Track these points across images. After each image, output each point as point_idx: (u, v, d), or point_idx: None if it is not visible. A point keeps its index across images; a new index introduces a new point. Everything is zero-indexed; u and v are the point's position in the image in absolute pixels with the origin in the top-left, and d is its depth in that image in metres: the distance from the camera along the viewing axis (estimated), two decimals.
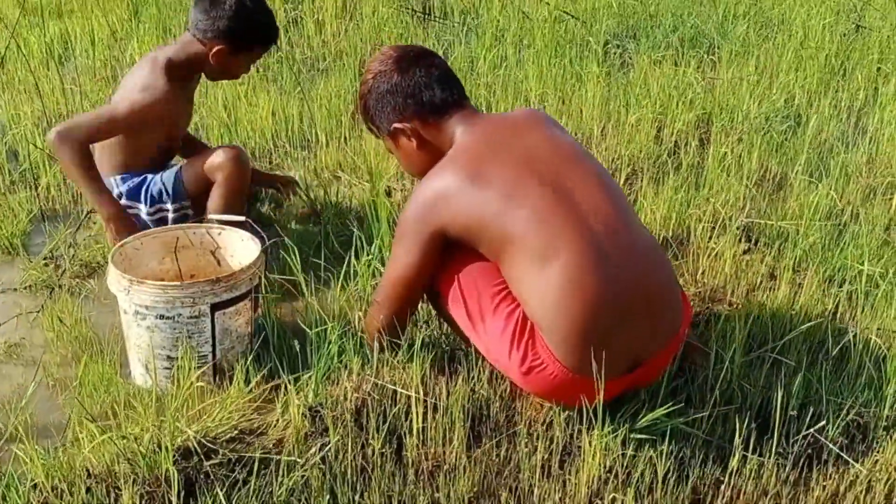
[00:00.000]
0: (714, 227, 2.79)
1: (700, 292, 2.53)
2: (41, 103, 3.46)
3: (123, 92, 2.59)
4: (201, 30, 2.55)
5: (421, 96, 2.01)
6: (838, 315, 2.42)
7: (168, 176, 2.60)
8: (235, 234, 2.31)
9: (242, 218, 2.35)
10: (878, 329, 2.30)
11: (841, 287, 2.51)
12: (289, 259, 2.27)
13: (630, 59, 4.28)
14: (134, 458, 1.69)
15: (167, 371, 2.09)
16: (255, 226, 2.32)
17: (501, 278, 1.90)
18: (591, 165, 1.96)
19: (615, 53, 4.31)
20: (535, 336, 1.84)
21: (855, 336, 2.23)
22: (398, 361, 2.03)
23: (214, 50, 2.54)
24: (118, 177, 2.61)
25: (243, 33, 2.55)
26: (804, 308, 2.42)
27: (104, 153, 2.61)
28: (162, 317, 2.04)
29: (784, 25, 4.79)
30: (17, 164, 3.14)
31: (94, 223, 2.81)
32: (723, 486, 1.85)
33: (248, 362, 2.04)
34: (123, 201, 2.59)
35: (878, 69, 4.25)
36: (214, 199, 2.52)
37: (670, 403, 1.89)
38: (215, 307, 2.06)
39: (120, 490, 1.68)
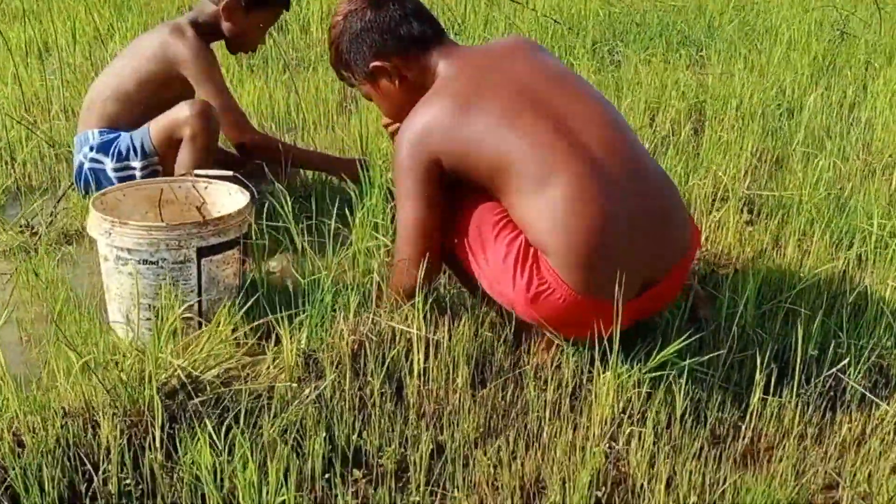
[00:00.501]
0: (714, 201, 2.73)
1: (705, 256, 2.45)
2: (20, 88, 3.36)
3: (154, 62, 2.54)
4: None
5: (398, 30, 1.92)
6: (849, 274, 2.34)
7: (138, 133, 2.50)
8: (223, 187, 2.20)
9: (230, 173, 2.24)
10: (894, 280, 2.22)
11: (850, 249, 2.44)
12: (280, 208, 2.16)
13: (619, 57, 4.26)
14: (114, 390, 1.56)
15: (150, 322, 1.96)
16: (244, 179, 2.21)
17: (501, 208, 1.81)
18: (586, 89, 1.90)
19: (604, 54, 4.29)
20: (539, 261, 1.75)
21: (868, 288, 2.16)
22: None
23: (225, 3, 2.49)
24: (96, 130, 2.51)
25: None
26: (813, 270, 2.35)
27: (96, 105, 2.54)
28: (145, 262, 1.92)
29: (769, 33, 4.81)
30: None
31: (76, 194, 2.69)
32: (743, 427, 1.75)
33: (236, 308, 1.91)
34: (92, 154, 2.49)
35: (867, 67, 4.25)
36: (182, 156, 2.41)
37: (684, 338, 1.79)
38: (202, 253, 1.95)
39: (98, 424, 1.55)
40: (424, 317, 1.83)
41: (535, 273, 1.74)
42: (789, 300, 2.10)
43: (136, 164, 2.48)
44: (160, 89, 2.55)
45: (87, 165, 2.51)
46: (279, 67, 3.82)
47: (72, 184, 2.69)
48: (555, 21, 4.58)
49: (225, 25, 2.56)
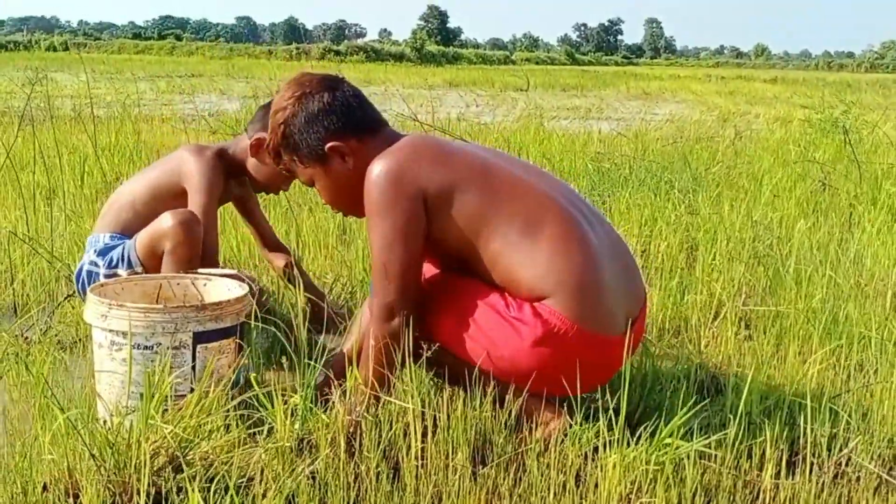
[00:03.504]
0: (711, 319, 2.73)
1: (704, 363, 2.42)
2: (26, 222, 3.44)
3: (167, 175, 2.55)
4: (252, 124, 2.54)
5: (354, 113, 1.92)
6: (851, 377, 2.31)
7: (130, 242, 2.48)
8: (222, 284, 2.21)
9: (234, 271, 2.26)
10: None
11: (849, 357, 2.42)
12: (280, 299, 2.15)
13: (609, 200, 4.39)
14: (100, 455, 1.50)
15: (138, 415, 1.90)
16: (245, 278, 2.22)
17: (472, 278, 1.84)
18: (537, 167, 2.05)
19: (595, 199, 4.43)
20: (533, 308, 1.76)
21: (871, 387, 2.12)
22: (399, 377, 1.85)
23: (254, 138, 2.47)
24: (108, 234, 2.53)
25: None
26: (815, 377, 2.32)
27: (112, 210, 2.57)
28: (140, 346, 1.89)
29: (754, 181, 5.00)
30: None
31: (73, 308, 2.69)
32: None
33: (229, 396, 1.86)
34: (93, 256, 2.49)
35: (851, 213, 4.38)
36: (163, 270, 2.34)
37: (686, 411, 1.74)
38: (198, 339, 1.93)
39: (80, 493, 1.47)
40: (422, 399, 1.78)
41: (535, 315, 1.74)
42: (793, 394, 2.06)
43: (123, 273, 2.44)
44: (169, 202, 2.52)
45: (86, 267, 2.52)
46: (281, 206, 3.92)
47: (69, 295, 2.69)
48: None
49: (250, 162, 2.56)
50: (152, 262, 2.40)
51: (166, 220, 2.35)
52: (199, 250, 2.39)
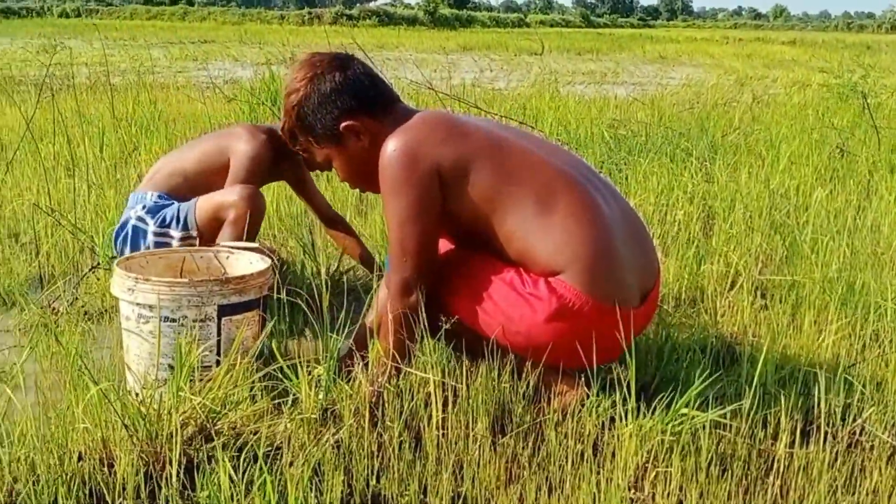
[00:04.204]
0: (727, 288, 2.75)
1: (720, 333, 2.45)
2: (48, 194, 3.48)
3: (216, 149, 2.62)
4: None
5: (367, 91, 1.93)
6: (866, 347, 2.33)
7: (185, 205, 2.53)
8: (244, 257, 2.25)
9: (255, 244, 2.29)
10: None
11: (864, 325, 2.43)
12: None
13: (625, 168, 4.39)
14: (132, 425, 1.55)
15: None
16: (267, 251, 2.26)
17: (483, 252, 1.87)
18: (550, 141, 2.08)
19: (611, 168, 4.43)
20: (547, 283, 1.79)
21: (886, 358, 2.14)
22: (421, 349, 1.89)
23: None
24: (155, 193, 2.59)
25: None
26: (829, 346, 2.34)
27: (159, 174, 2.64)
28: (166, 318, 1.94)
29: (771, 149, 4.98)
30: (19, 240, 3.11)
31: (98, 279, 2.74)
32: (771, 478, 1.70)
33: (253, 367, 1.91)
34: (142, 213, 2.54)
35: (869, 180, 4.36)
36: (221, 237, 2.43)
37: (700, 383, 1.78)
38: (223, 311, 1.97)
39: (114, 462, 1.53)
40: (441, 370, 1.82)
41: (550, 291, 1.77)
42: (808, 364, 2.09)
43: (175, 233, 2.52)
44: (217, 174, 2.58)
45: (132, 222, 2.55)
46: None
47: (94, 266, 2.74)
48: (559, 141, 4.75)
49: None
50: (210, 227, 2.48)
51: (234, 192, 2.45)
52: (259, 226, 2.49)
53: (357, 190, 2.19)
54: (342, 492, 1.56)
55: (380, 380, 1.83)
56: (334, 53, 1.99)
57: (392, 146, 1.83)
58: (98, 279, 2.74)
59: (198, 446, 1.62)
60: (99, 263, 2.74)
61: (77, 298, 2.60)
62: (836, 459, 1.75)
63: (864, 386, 1.96)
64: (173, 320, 1.94)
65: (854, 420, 1.84)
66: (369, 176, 1.92)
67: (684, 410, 1.76)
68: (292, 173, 2.81)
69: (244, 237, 2.40)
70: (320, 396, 1.80)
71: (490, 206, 1.81)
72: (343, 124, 1.92)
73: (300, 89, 1.93)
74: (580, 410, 1.82)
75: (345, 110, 1.92)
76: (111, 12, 44.95)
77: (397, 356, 1.85)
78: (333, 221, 2.95)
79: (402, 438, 1.70)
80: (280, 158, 2.63)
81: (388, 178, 1.83)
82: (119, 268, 2.02)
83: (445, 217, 1.85)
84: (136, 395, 1.69)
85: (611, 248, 1.82)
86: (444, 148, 1.81)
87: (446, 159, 1.81)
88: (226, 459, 1.49)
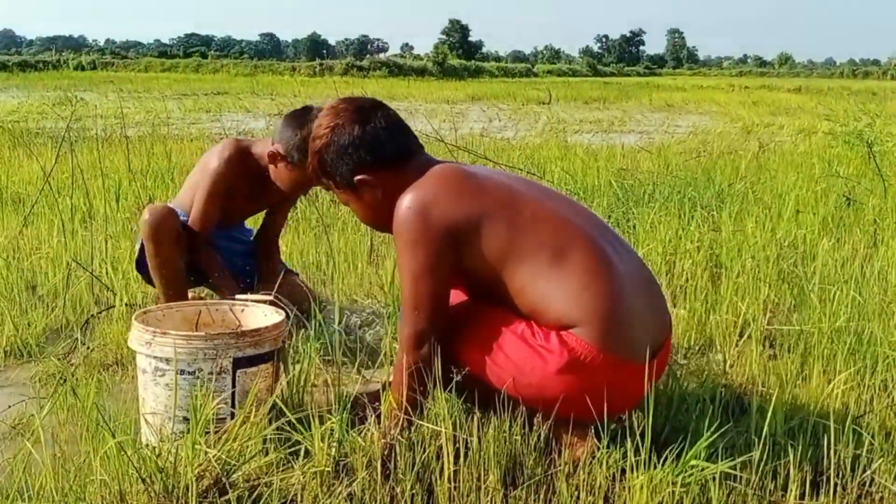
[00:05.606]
0: (737, 338, 2.77)
1: (729, 383, 2.46)
2: (63, 238, 3.55)
3: (197, 168, 2.84)
4: (276, 133, 2.69)
5: (384, 147, 1.96)
6: (875, 397, 2.34)
7: None
8: (259, 310, 2.29)
9: (270, 297, 2.34)
10: None
11: (873, 375, 2.45)
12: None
13: (632, 218, 4.44)
14: (149, 477, 1.57)
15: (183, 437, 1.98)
16: (281, 303, 2.30)
17: (496, 306, 1.89)
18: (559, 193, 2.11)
19: (619, 217, 4.47)
20: (559, 336, 1.81)
21: (894, 408, 2.15)
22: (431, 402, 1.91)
23: (269, 151, 2.65)
24: (181, 212, 2.78)
25: (299, 148, 2.58)
26: (838, 396, 2.35)
27: (185, 188, 2.86)
28: (182, 372, 1.98)
29: (778, 198, 5.02)
30: (35, 293, 3.17)
31: (111, 324, 2.78)
32: None
33: (266, 419, 1.93)
34: None
35: (875, 229, 4.39)
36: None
37: (711, 433, 1.79)
38: (238, 364, 2.01)
39: None
40: (453, 423, 1.84)
41: (561, 343, 1.79)
42: (817, 414, 2.10)
43: None
44: (193, 193, 2.78)
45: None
46: (311, 225, 4.01)
47: (102, 310, 2.84)
48: (568, 192, 4.81)
49: (270, 167, 2.69)
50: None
51: (144, 214, 2.67)
52: (172, 243, 2.64)
53: (370, 232, 2.29)
54: None
55: (392, 432, 1.85)
56: (359, 103, 2.02)
57: (406, 203, 1.87)
58: (111, 325, 2.78)
59: (213, 499, 1.64)
60: (113, 305, 2.80)
61: (92, 350, 2.64)
62: None
63: (872, 437, 1.97)
64: (189, 373, 1.98)
65: (864, 471, 1.85)
66: (385, 221, 1.97)
67: (694, 462, 1.78)
68: (278, 195, 2.84)
69: (156, 257, 2.64)
70: (332, 451, 1.82)
71: (502, 259, 1.84)
72: (357, 178, 1.98)
73: (323, 136, 1.99)
74: (591, 462, 1.83)
75: (360, 163, 1.97)
76: (126, 65, 45.80)
77: (409, 408, 1.88)
78: (271, 243, 3.05)
79: (414, 491, 1.72)
80: (248, 176, 2.77)
81: (403, 235, 1.87)
82: (137, 321, 2.06)
83: (459, 270, 1.89)
84: (153, 447, 1.71)
85: (624, 305, 1.84)
86: (457, 204, 1.85)
87: (460, 216, 1.84)
88: None
